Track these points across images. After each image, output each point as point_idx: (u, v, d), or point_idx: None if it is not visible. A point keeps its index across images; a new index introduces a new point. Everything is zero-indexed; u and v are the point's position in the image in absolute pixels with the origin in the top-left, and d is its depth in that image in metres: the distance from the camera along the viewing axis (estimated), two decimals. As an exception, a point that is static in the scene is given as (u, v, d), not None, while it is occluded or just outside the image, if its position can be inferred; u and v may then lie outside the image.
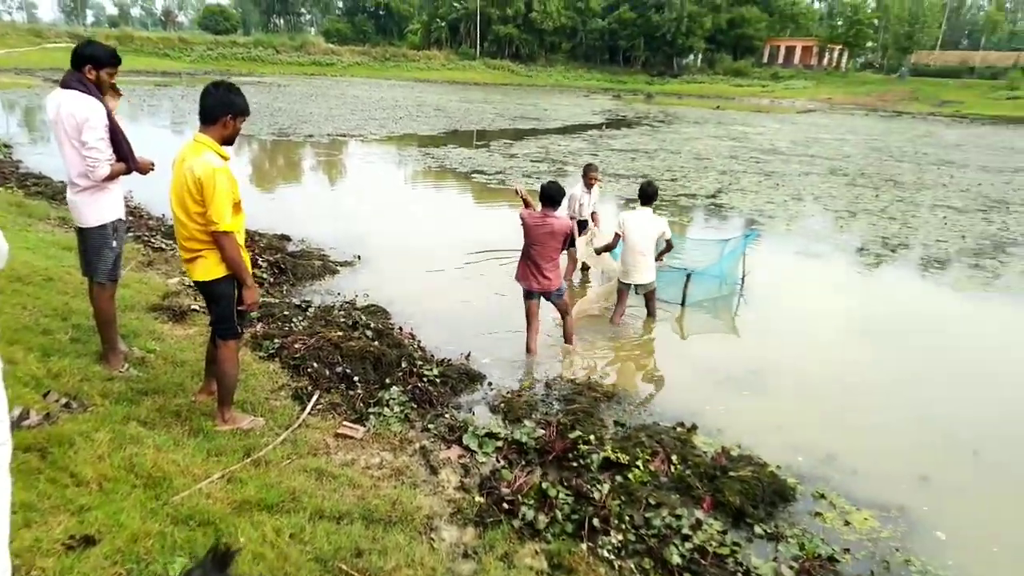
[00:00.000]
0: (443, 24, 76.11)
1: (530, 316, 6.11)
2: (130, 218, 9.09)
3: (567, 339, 6.29)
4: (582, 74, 73.67)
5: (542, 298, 6.08)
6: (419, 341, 6.03)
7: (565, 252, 8.10)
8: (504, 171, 15.66)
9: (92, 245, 4.11)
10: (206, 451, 3.44)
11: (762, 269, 8.71)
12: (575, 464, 4.21)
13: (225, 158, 3.47)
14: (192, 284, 6.37)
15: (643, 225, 6.66)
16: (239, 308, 3.64)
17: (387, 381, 4.94)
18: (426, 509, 3.47)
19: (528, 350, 6.08)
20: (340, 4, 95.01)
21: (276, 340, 5.32)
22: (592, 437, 4.45)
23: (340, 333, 5.46)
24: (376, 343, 5.48)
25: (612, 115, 35.28)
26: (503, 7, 72.74)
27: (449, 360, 5.63)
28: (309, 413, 4.32)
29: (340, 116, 26.09)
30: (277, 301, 6.42)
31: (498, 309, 7.01)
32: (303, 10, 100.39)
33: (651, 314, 7.04)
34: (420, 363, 5.28)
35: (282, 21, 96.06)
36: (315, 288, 7.30)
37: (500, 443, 4.33)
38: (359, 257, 8.43)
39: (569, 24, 76.17)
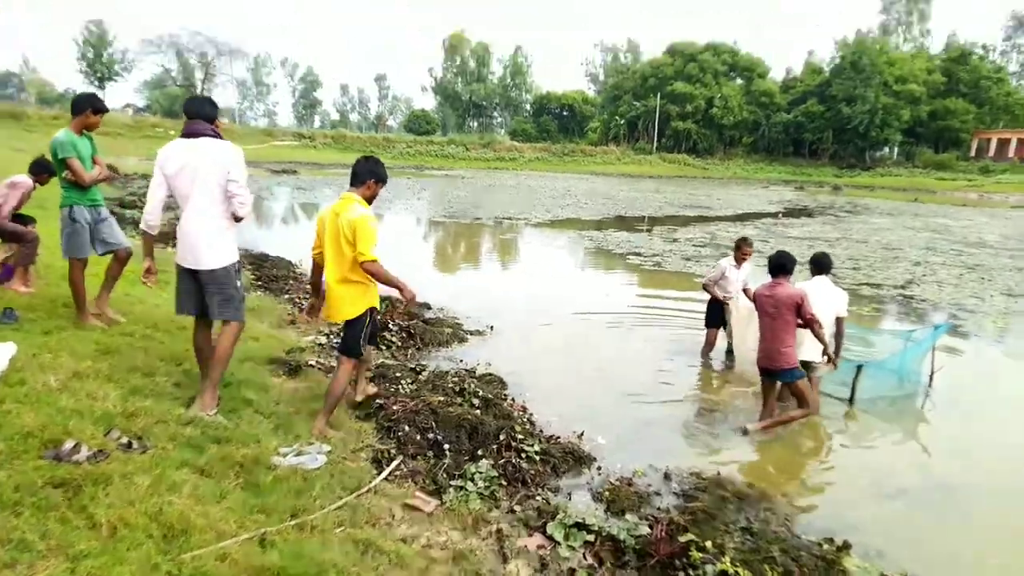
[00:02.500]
0: (622, 122, 78.05)
1: (765, 396, 5.75)
2: (292, 282, 9.64)
3: (769, 423, 5.59)
4: (762, 167, 71.45)
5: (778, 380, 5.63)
6: (530, 415, 5.52)
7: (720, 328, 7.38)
8: (662, 254, 15.00)
9: (226, 283, 4.21)
10: (250, 507, 3.15)
11: (957, 369, 7.25)
12: (682, 575, 3.42)
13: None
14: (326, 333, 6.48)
15: (819, 295, 5.77)
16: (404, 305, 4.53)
17: (479, 453, 4.47)
18: (478, 605, 2.89)
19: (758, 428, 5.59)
20: (528, 107, 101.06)
21: (377, 401, 5.08)
22: (709, 544, 3.63)
23: (442, 398, 5.11)
24: (478, 412, 5.05)
25: (792, 205, 33.36)
26: (683, 104, 73.32)
27: (557, 437, 5.05)
28: (385, 479, 3.94)
29: (511, 203, 26.99)
30: (394, 363, 6.25)
31: (628, 381, 6.35)
32: (495, 113, 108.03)
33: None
34: (521, 437, 4.76)
35: (476, 123, 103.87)
36: (439, 354, 7.10)
37: (592, 537, 3.64)
38: (492, 328, 8.18)
39: (751, 118, 74.84)
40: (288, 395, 4.93)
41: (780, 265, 5.51)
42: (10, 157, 21.21)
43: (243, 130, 67.64)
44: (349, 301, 4.39)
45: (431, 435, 4.57)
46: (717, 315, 7.38)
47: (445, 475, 4.12)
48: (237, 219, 4.24)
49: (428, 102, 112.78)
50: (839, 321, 5.88)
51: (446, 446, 4.47)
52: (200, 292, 4.22)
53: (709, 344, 7.44)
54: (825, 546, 3.82)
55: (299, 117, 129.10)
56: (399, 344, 7.06)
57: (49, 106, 66.98)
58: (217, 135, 4.19)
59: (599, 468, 4.73)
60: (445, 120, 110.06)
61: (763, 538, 3.87)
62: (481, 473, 4.18)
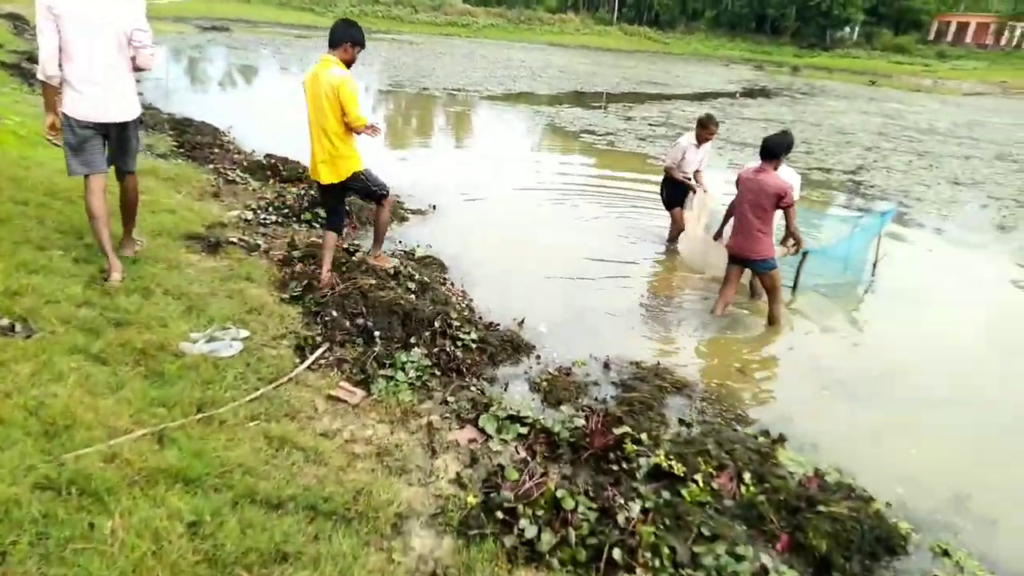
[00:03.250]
0: (581, -14, 73.95)
1: (727, 280, 5.60)
2: (217, 150, 8.91)
3: (772, 320, 5.51)
4: (724, 43, 69.34)
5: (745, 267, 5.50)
6: (469, 301, 5.29)
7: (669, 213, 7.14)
8: (616, 132, 14.51)
9: (134, 135, 4.22)
10: (150, 399, 2.85)
11: (901, 256, 7.27)
12: (616, 468, 3.33)
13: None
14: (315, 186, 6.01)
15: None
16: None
17: (412, 341, 4.23)
18: (401, 504, 2.72)
19: (713, 311, 5.59)
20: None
21: (304, 282, 4.73)
22: (645, 436, 3.55)
23: (374, 281, 4.79)
24: (413, 297, 4.78)
25: (750, 85, 32.69)
26: (646, -30, 69.65)
27: (496, 324, 4.86)
28: (308, 368, 3.68)
29: (462, 73, 25.60)
30: (324, 242, 5.86)
31: (576, 267, 6.15)
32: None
33: (756, 294, 5.94)
34: (458, 324, 4.53)
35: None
36: (376, 233, 6.71)
37: (525, 429, 3.50)
38: (434, 207, 7.77)
39: (715, -11, 71.87)
40: (205, 275, 4.53)
41: (769, 150, 5.20)
42: None
43: (169, -22, 61.58)
44: (339, 165, 4.68)
45: (361, 321, 4.29)
46: (679, 195, 7.04)
47: (375, 364, 3.88)
48: (140, 70, 4.13)
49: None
50: (789, 209, 5.68)
51: (376, 333, 4.20)
52: (103, 148, 4.07)
53: (677, 226, 7.17)
54: (760, 439, 3.79)
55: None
56: (333, 221, 6.62)
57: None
58: None
59: (538, 357, 4.57)
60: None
61: (700, 430, 3.82)
62: (413, 362, 3.96)
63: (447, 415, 3.58)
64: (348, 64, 4.56)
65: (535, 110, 17.47)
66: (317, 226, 6.44)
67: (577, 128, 14.84)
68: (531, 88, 22.78)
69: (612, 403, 3.99)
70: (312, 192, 7.04)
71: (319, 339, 4.00)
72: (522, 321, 5.04)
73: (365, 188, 4.93)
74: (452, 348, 4.23)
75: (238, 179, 7.68)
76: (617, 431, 3.50)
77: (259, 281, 4.68)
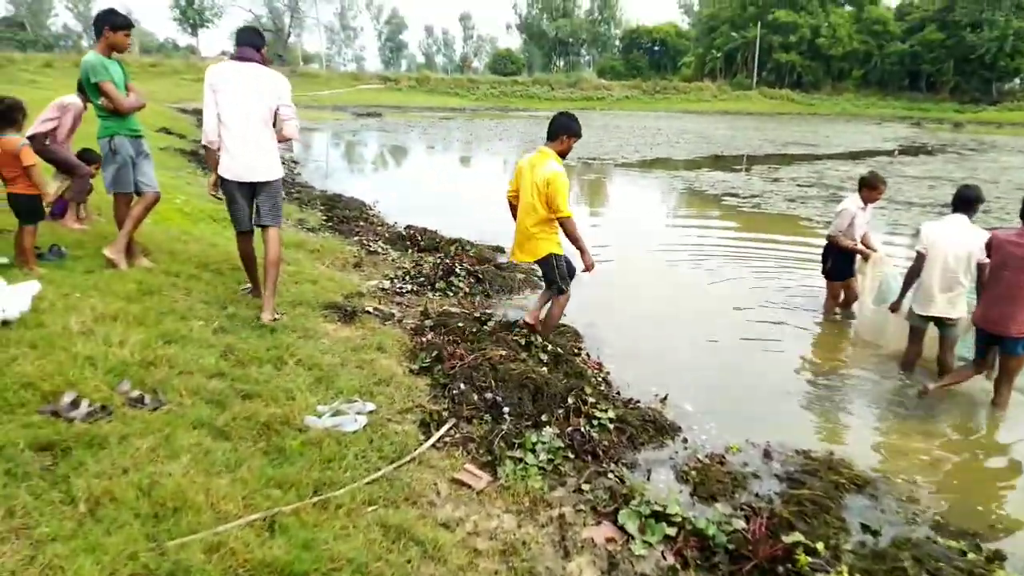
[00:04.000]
0: (718, 55, 73.40)
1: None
2: (362, 223, 9.24)
3: (999, 404, 4.75)
4: (874, 102, 65.80)
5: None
6: (606, 374, 4.88)
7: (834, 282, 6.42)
8: (762, 194, 13.75)
9: (276, 193, 4.63)
10: (267, 478, 2.68)
11: None
12: (786, 585, 2.75)
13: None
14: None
15: (955, 238, 4.87)
16: (582, 271, 4.92)
17: (543, 418, 3.87)
18: (526, 620, 2.32)
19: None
20: (617, 43, 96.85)
21: (434, 353, 4.55)
22: (821, 546, 2.93)
23: (504, 352, 4.53)
24: (545, 369, 4.45)
25: (908, 142, 30.42)
26: (786, 34, 68.01)
27: (636, 401, 4.41)
28: (432, 446, 3.42)
29: (596, 143, 25.78)
30: (458, 311, 5.71)
31: (724, 335, 5.59)
32: (582, 51, 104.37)
33: (944, 370, 5.08)
34: (593, 400, 4.13)
35: (562, 62, 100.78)
36: (510, 302, 6.52)
37: (673, 530, 3.00)
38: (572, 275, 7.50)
39: (862, 49, 68.68)
40: (338, 344, 4.47)
41: None
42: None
43: (330, 75, 68.04)
44: (534, 245, 4.83)
45: (489, 395, 4.01)
46: (845, 267, 6.29)
47: (502, 444, 3.55)
48: (285, 139, 4.63)
49: (513, 41, 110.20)
50: (981, 268, 4.88)
51: (506, 409, 3.89)
52: (250, 206, 4.62)
53: (834, 298, 6.48)
54: (971, 555, 3.04)
55: (385, 61, 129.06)
56: (466, 290, 6.52)
57: (149, 54, 69.28)
58: (264, 62, 4.53)
59: (685, 441, 4.06)
60: (531, 60, 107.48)
61: (890, 540, 3.13)
62: (544, 443, 3.59)
63: (581, 507, 3.16)
64: (564, 154, 4.78)
65: (672, 175, 17.06)
66: (451, 294, 6.35)
67: (718, 191, 14.23)
68: (668, 154, 22.43)
69: (777, 502, 3.39)
70: (448, 262, 7.01)
71: (445, 414, 3.75)
72: (665, 397, 4.57)
73: (550, 274, 4.95)
74: (587, 428, 3.83)
75: (379, 250, 7.86)
76: (786, 538, 2.92)
77: (390, 351, 4.55)
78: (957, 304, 4.96)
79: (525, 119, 42.65)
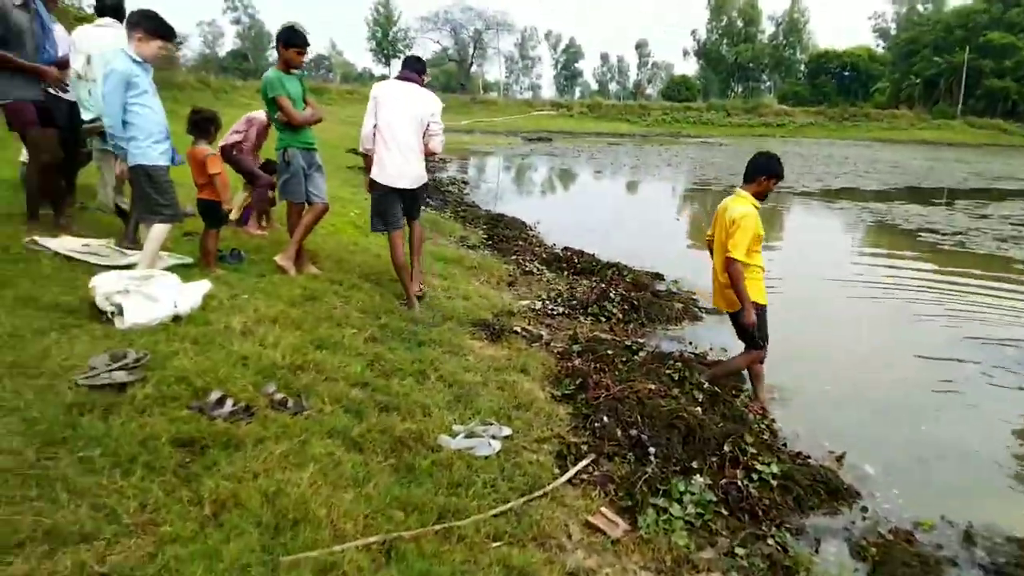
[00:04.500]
0: (917, 81, 67.12)
1: None
2: (521, 243, 9.25)
3: None
4: (1111, 133, 56.86)
5: None
6: (770, 421, 4.38)
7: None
8: (966, 232, 12.12)
9: (421, 197, 5.35)
10: (392, 498, 2.57)
11: None
12: None
13: (756, 207, 4.43)
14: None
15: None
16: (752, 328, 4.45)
17: (694, 465, 3.49)
18: None
19: None
20: (802, 68, 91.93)
21: (578, 380, 4.32)
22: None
23: (654, 386, 4.19)
24: (699, 409, 4.05)
25: None
26: (1000, 58, 60.69)
27: (805, 456, 3.89)
28: (568, 481, 3.18)
29: (773, 171, 24.34)
30: (608, 338, 5.44)
31: (915, 383, 4.86)
32: (763, 76, 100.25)
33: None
34: (754, 451, 3.68)
35: (740, 88, 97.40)
36: (665, 332, 6.13)
37: (844, 619, 2.53)
38: (732, 306, 6.96)
39: (1097, 73, 59.72)
40: (482, 363, 4.37)
41: None
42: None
43: (506, 102, 70.62)
44: (730, 293, 4.46)
45: (634, 432, 3.69)
46: None
47: (645, 488, 3.23)
48: (430, 153, 5.14)
49: (690, 68, 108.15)
50: None
51: (651, 449, 3.56)
52: (399, 203, 5.05)
53: None
54: None
55: (560, 88, 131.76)
56: (619, 317, 6.23)
57: (348, 83, 76.02)
58: (421, 84, 5.07)
59: (864, 510, 3.49)
60: (707, 86, 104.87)
61: None
62: (693, 494, 3.22)
63: (733, 574, 2.76)
64: (761, 197, 4.50)
65: (860, 207, 15.60)
66: (603, 320, 6.09)
67: (913, 226, 12.76)
68: (855, 184, 20.64)
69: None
70: (602, 286, 6.77)
71: (585, 448, 3.49)
72: (842, 456, 3.99)
73: (746, 327, 4.50)
74: (745, 481, 3.40)
75: (534, 270, 7.78)
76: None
77: (534, 374, 4.39)
78: None
79: (696, 145, 41.51)
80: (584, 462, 3.35)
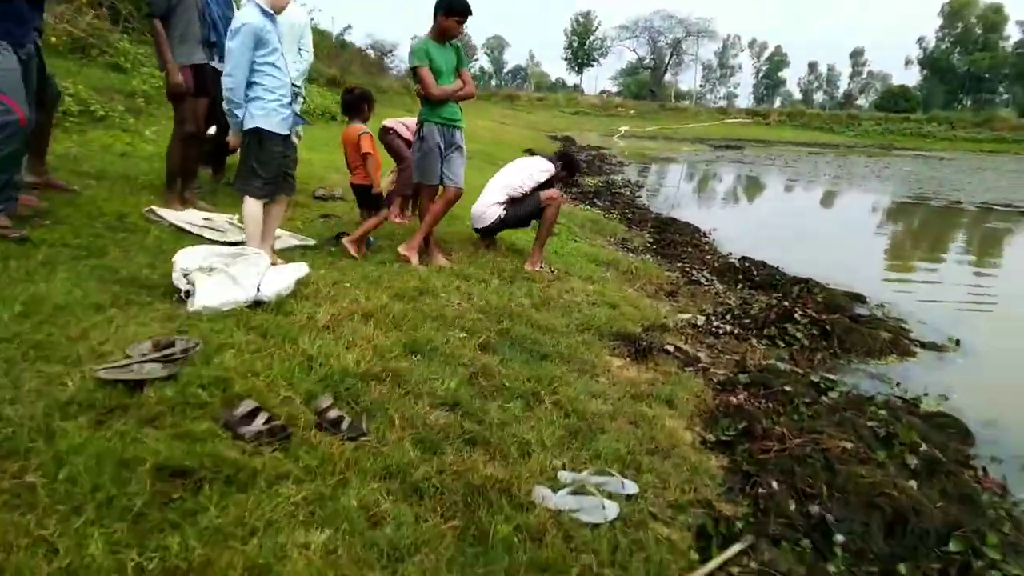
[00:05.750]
0: None
1: None
2: (691, 249, 8.17)
3: None
4: None
5: None
6: (1012, 506, 3.09)
7: None
8: None
9: None
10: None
11: None
12: None
13: None
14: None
15: None
16: None
17: (901, 571, 2.39)
18: None
19: None
20: (1051, 79, 79.38)
21: (742, 423, 3.31)
22: None
23: (851, 444, 3.08)
24: (913, 483, 2.90)
25: None
26: None
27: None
28: (714, 571, 2.25)
29: (1007, 187, 20.66)
30: (787, 368, 4.32)
31: None
32: (1000, 88, 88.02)
33: None
34: (995, 555, 2.49)
35: (970, 100, 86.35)
36: (864, 369, 4.85)
37: None
38: (957, 342, 5.45)
39: None
40: (616, 387, 3.51)
41: None
42: (496, 127, 24.36)
43: (697, 109, 67.74)
44: None
45: (816, 508, 2.65)
46: None
47: (826, 601, 2.23)
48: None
49: (910, 78, 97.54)
50: None
51: (839, 538, 2.51)
52: None
53: None
54: None
55: (758, 97, 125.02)
56: (805, 343, 5.03)
57: (540, 91, 77.63)
58: None
59: None
60: (929, 97, 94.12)
61: None
62: (901, 620, 2.16)
63: None
64: None
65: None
66: (782, 345, 4.95)
67: None
68: None
69: None
70: (785, 304, 5.58)
71: (740, 525, 2.52)
72: None
73: None
74: (986, 611, 2.25)
75: (703, 280, 6.72)
76: None
77: (682, 408, 3.45)
78: None
79: (911, 158, 36.78)
80: (736, 547, 2.39)
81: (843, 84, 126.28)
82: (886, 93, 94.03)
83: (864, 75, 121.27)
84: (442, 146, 4.56)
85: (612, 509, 2.36)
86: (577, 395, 3.17)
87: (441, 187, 4.71)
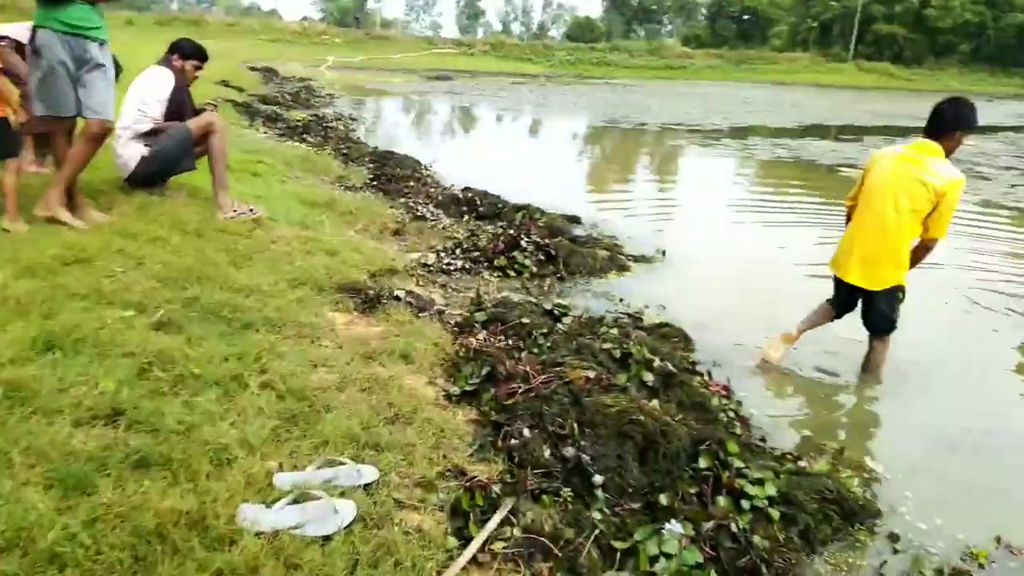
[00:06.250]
0: (814, 24, 68.38)
1: None
2: (413, 183, 7.76)
3: None
4: (983, 78, 60.07)
5: None
6: (737, 406, 3.27)
7: None
8: (887, 167, 11.60)
9: None
10: None
11: None
12: None
13: None
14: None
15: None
16: None
17: (662, 502, 2.31)
18: None
19: None
20: (703, 11, 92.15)
21: (485, 368, 3.03)
22: None
23: (591, 373, 2.95)
24: (655, 403, 2.86)
25: (1035, 119, 26.90)
26: (891, 4, 62.50)
27: (795, 458, 2.80)
28: (473, 559, 1.91)
29: (681, 110, 23.59)
30: (522, 298, 4.16)
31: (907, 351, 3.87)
32: (665, 19, 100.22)
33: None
34: (740, 462, 2.53)
35: (643, 31, 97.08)
36: (590, 287, 4.94)
37: None
38: (664, 253, 5.85)
39: (974, 21, 62.60)
40: (344, 350, 2.99)
41: None
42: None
43: (405, 39, 66.78)
44: (883, 271, 3.58)
45: (571, 451, 2.45)
46: None
47: (595, 554, 2.03)
48: None
49: (594, 9, 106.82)
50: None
51: (598, 479, 2.35)
52: None
53: None
54: None
55: (462, 28, 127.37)
56: (534, 270, 4.98)
57: (231, 15, 70.22)
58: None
59: (893, 538, 2.43)
60: (611, 28, 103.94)
61: None
62: (670, 555, 2.04)
63: None
64: (950, 154, 3.47)
65: (774, 143, 14.95)
66: (513, 275, 4.83)
67: (830, 161, 12.19)
68: (762, 122, 20.13)
69: None
70: (511, 232, 5.46)
71: (497, 490, 2.21)
72: (841, 452, 2.95)
73: (888, 311, 3.64)
74: (743, 525, 2.23)
75: (428, 215, 6.38)
76: None
77: (420, 361, 3.06)
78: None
79: (602, 86, 40.40)
80: (496, 518, 2.07)
81: (536, 15, 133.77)
82: (574, 24, 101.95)
83: (555, 6, 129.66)
84: (69, 64, 3.43)
85: (347, 510, 1.88)
86: (293, 369, 2.59)
87: (82, 120, 3.61)
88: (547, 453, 2.45)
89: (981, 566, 2.32)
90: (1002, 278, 5.83)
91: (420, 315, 3.70)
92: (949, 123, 3.40)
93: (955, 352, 4.28)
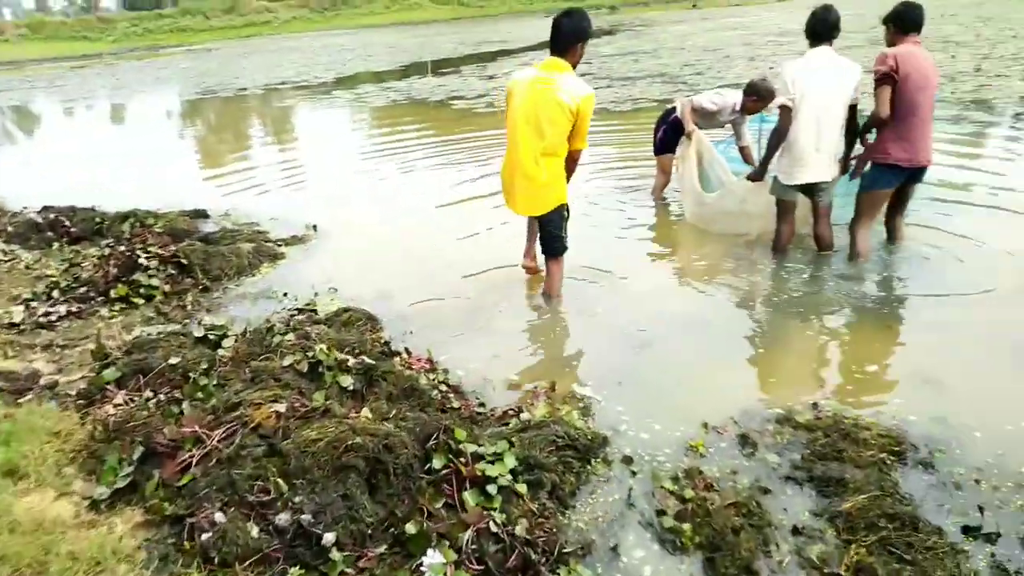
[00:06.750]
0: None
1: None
2: None
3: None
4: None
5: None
6: (445, 375, 3.05)
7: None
8: (488, 93, 12.42)
9: None
10: None
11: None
12: None
13: None
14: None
15: (834, 78, 3.83)
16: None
17: (410, 531, 1.96)
18: None
19: (855, 254, 4.11)
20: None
21: (137, 446, 2.29)
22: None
23: (281, 406, 2.42)
24: (366, 412, 2.47)
25: (584, 28, 31.43)
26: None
27: (515, 412, 2.69)
28: None
29: (278, 67, 22.32)
30: (160, 334, 3.34)
31: (572, 270, 4.02)
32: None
33: (824, 244, 4.20)
34: (472, 446, 2.29)
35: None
36: (244, 290, 4.25)
37: None
38: (315, 227, 5.35)
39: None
40: None
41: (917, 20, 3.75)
42: None
43: None
44: (545, 194, 3.60)
45: (284, 516, 1.95)
46: (673, 142, 5.30)
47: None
48: None
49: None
50: (854, 111, 3.97)
51: (328, 536, 1.90)
52: None
53: (665, 175, 5.51)
54: None
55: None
56: (167, 289, 4.10)
57: None
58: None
59: (628, 461, 2.46)
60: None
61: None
62: (440, 595, 1.73)
63: None
64: (575, 67, 3.49)
65: (382, 87, 14.95)
66: (141, 301, 3.92)
67: (441, 96, 12.59)
68: (366, 67, 20.09)
69: (830, 534, 1.99)
70: (122, 250, 4.41)
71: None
72: (552, 386, 2.92)
73: (556, 230, 3.68)
74: (504, 523, 2.00)
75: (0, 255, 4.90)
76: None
77: (38, 469, 2.21)
78: (834, 163, 3.98)
79: (182, 55, 36.36)
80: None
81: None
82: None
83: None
84: None
85: None
86: None
87: None
88: (255, 532, 1.92)
89: (703, 456, 2.46)
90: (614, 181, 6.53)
91: (21, 399, 2.72)
92: (570, 36, 3.39)
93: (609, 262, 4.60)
